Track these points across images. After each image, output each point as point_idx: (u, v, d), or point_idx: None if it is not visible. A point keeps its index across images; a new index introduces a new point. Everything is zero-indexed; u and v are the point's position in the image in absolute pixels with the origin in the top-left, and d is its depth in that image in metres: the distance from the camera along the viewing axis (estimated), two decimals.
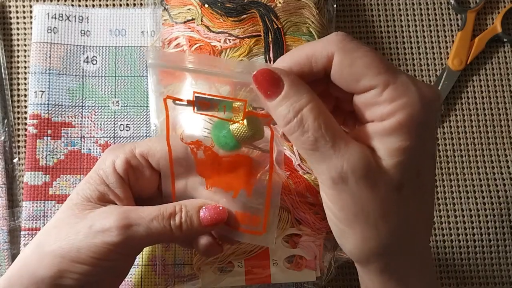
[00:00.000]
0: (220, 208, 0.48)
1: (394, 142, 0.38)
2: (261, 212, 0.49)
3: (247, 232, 0.49)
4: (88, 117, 0.66)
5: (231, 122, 0.44)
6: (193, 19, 0.60)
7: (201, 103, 0.44)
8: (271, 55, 0.58)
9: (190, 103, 0.44)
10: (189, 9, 0.60)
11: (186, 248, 0.62)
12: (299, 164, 0.57)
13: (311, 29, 0.60)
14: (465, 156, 0.69)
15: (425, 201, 0.43)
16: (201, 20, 0.59)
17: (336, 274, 0.61)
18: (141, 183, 0.51)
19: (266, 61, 0.59)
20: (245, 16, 0.59)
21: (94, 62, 0.68)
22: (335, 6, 0.67)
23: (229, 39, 0.59)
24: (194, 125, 0.49)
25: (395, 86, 0.38)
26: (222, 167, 0.48)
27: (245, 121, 0.44)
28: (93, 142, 0.66)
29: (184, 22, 0.60)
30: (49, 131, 0.65)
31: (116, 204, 0.49)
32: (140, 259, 0.62)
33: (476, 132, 0.70)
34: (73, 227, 0.47)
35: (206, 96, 0.44)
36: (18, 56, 0.68)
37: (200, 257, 0.56)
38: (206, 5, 0.59)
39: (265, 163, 0.49)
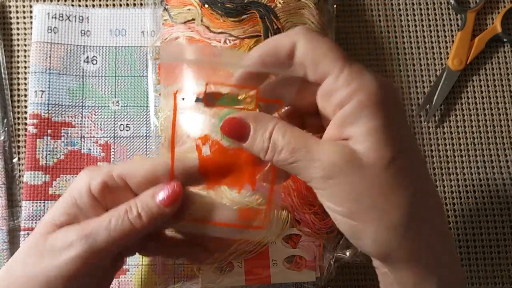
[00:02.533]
0: (174, 184, 0.46)
1: (363, 124, 0.39)
2: (263, 205, 0.49)
3: (250, 228, 0.48)
4: (88, 117, 0.66)
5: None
6: (193, 19, 0.60)
7: (213, 93, 0.45)
8: None
9: (202, 94, 0.45)
10: (189, 9, 0.60)
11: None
12: None
13: None
14: (465, 156, 0.69)
15: (421, 174, 0.43)
16: (201, 21, 0.59)
17: (336, 274, 0.61)
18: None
19: None
20: (245, 16, 0.59)
21: (94, 62, 0.68)
22: (335, 6, 0.67)
23: (229, 40, 0.58)
24: (198, 122, 0.49)
25: (349, 70, 0.40)
26: (226, 162, 0.47)
27: (257, 109, 0.45)
28: (93, 142, 0.66)
29: (184, 22, 0.60)
30: (49, 131, 0.65)
31: None
32: (140, 258, 0.62)
33: (476, 132, 0.70)
34: (38, 256, 0.45)
35: (219, 86, 0.45)
36: (18, 56, 0.68)
37: None
38: (206, 5, 0.59)
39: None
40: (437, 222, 0.44)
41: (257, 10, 0.59)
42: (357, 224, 0.41)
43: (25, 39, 0.69)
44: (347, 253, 0.60)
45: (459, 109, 0.70)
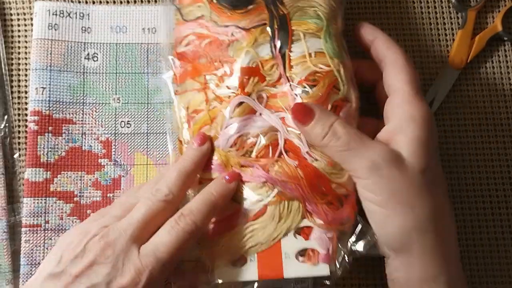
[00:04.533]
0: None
1: (410, 132, 0.51)
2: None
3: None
4: (89, 114, 0.66)
5: None
6: (202, 15, 0.60)
7: None
8: (276, 42, 0.58)
9: None
10: (199, 6, 0.60)
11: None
12: (307, 152, 0.55)
13: (319, 12, 0.59)
14: (465, 155, 0.69)
15: (444, 187, 0.55)
16: (210, 16, 0.59)
17: (351, 268, 0.57)
18: None
19: (272, 49, 0.58)
20: (251, 6, 0.58)
21: (95, 59, 0.67)
22: None
23: (235, 32, 0.58)
24: None
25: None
26: None
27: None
28: (94, 139, 0.65)
29: (195, 19, 0.60)
30: (50, 128, 0.64)
31: None
32: None
33: (477, 131, 0.70)
34: None
35: None
36: (19, 53, 0.68)
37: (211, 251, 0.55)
38: (214, 1, 0.59)
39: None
40: (450, 230, 0.54)
41: None
42: (388, 214, 0.50)
43: (25, 36, 0.68)
44: (362, 245, 0.57)
45: (459, 108, 0.71)
